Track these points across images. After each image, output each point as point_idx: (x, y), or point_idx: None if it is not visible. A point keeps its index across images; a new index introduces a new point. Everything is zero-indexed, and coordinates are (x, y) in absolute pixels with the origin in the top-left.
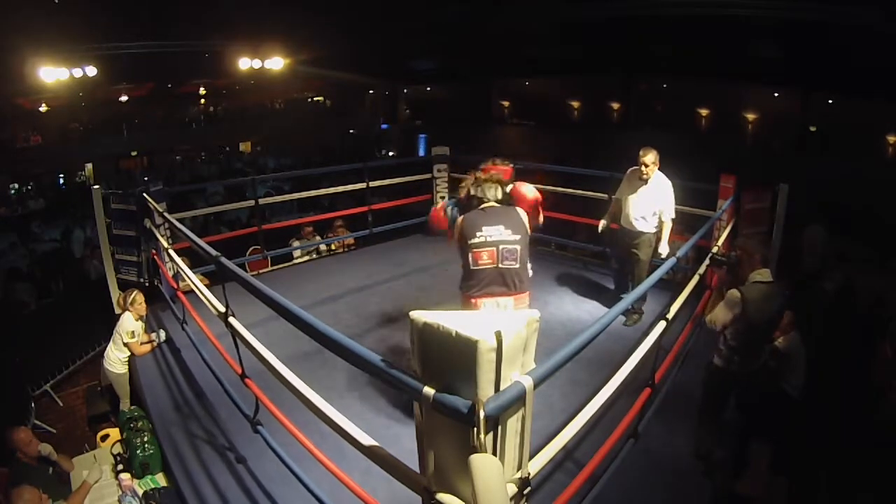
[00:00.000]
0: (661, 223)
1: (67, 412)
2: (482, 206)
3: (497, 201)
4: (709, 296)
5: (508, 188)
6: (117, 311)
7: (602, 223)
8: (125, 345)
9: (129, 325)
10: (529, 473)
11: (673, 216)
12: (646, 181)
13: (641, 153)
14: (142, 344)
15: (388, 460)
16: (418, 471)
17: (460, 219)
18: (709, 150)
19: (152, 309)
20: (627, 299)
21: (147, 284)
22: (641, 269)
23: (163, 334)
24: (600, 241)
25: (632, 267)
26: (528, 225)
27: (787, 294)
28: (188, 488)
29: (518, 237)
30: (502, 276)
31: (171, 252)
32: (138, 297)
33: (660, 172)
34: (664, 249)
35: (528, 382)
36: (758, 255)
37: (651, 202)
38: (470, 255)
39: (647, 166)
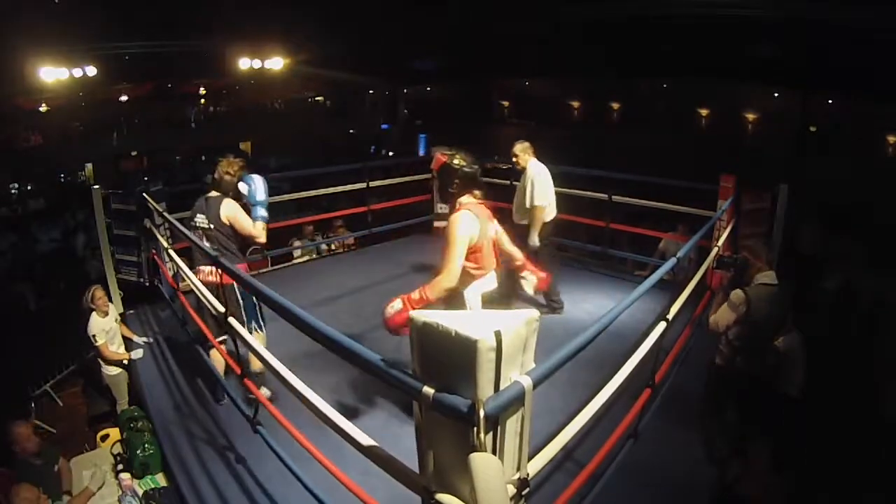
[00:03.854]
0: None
1: (67, 412)
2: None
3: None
4: (709, 297)
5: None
6: (84, 311)
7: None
8: (95, 347)
9: (94, 325)
10: (528, 474)
11: (537, 203)
12: (524, 170)
13: (513, 145)
14: (111, 347)
15: (387, 460)
16: (418, 471)
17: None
18: (708, 150)
19: (152, 309)
20: (630, 297)
21: (147, 284)
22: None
23: (140, 353)
24: (600, 241)
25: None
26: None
27: (791, 297)
28: (188, 488)
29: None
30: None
31: (171, 252)
32: (97, 292)
33: (534, 161)
34: (532, 241)
35: (527, 382)
36: (763, 257)
37: (524, 191)
38: None
39: (515, 157)
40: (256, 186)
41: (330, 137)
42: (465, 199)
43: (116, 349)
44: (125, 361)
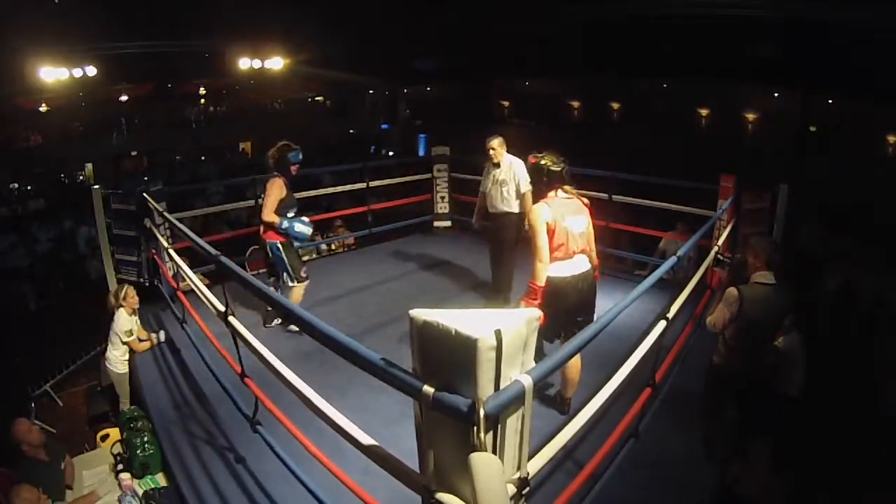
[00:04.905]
0: (524, 202)
1: (67, 412)
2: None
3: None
4: (709, 296)
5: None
6: (111, 308)
7: (473, 220)
8: (124, 343)
9: (125, 323)
10: (528, 473)
11: (528, 187)
12: (499, 165)
13: (487, 141)
14: (140, 341)
15: (387, 459)
16: (418, 470)
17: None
18: (708, 150)
19: (152, 309)
20: (630, 296)
21: (147, 284)
22: (507, 254)
23: (162, 335)
24: (600, 240)
25: (498, 253)
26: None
27: (790, 297)
28: (188, 488)
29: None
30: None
31: (171, 252)
32: (129, 290)
33: (510, 155)
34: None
35: (527, 381)
36: (762, 257)
37: (509, 181)
38: None
39: (493, 150)
40: (301, 228)
41: (330, 137)
42: (554, 193)
43: None
44: (154, 342)
